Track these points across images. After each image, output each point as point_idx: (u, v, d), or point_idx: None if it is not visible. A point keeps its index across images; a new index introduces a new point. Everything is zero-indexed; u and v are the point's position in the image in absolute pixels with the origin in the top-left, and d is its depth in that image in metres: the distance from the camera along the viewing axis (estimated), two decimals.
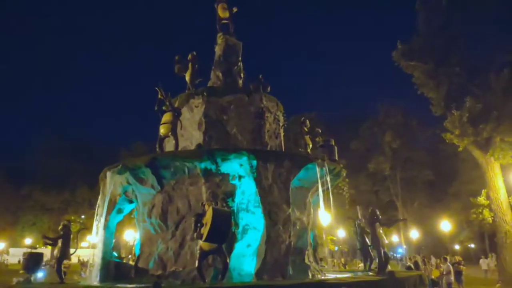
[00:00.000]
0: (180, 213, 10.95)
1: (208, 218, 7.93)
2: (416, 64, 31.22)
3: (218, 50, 14.99)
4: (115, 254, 12.34)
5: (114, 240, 13.22)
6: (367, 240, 13.11)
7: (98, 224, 11.77)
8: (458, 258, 24.97)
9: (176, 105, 12.31)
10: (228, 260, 8.27)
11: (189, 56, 13.93)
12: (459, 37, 29.33)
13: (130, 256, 23.77)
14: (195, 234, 8.11)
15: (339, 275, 11.53)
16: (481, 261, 33.43)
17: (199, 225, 8.13)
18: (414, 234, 46.31)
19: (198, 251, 8.23)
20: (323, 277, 11.19)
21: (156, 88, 11.29)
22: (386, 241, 10.53)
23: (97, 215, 12.07)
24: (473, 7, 29.07)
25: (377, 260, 10.91)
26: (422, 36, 31.12)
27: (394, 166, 55.34)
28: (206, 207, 8.39)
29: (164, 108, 11.23)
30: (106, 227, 11.62)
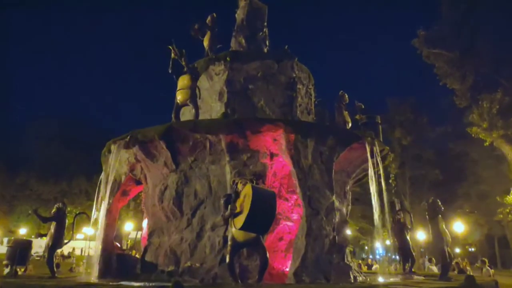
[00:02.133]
0: (199, 197, 9.06)
1: (245, 200, 6.03)
2: (439, 52, 29.28)
3: (240, 13, 13.02)
4: (118, 245, 10.44)
5: (117, 229, 11.39)
6: (407, 238, 11.29)
7: (98, 209, 9.87)
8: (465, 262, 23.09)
9: None
10: (268, 256, 6.38)
11: (208, 18, 12.01)
12: (487, 24, 27.39)
13: (129, 251, 21.88)
14: (228, 219, 6.19)
15: (393, 279, 9.62)
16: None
17: (230, 208, 6.23)
18: (421, 235, 44.31)
19: (229, 242, 6.34)
20: (381, 281, 9.31)
21: (169, 47, 9.35)
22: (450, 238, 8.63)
23: (97, 198, 10.18)
24: None
25: (421, 262, 9.01)
26: (447, 23, 29.20)
27: (403, 164, 53.47)
28: (240, 186, 6.48)
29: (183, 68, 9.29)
30: (108, 212, 9.73)
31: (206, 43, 11.92)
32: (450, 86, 29.45)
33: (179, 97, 9.32)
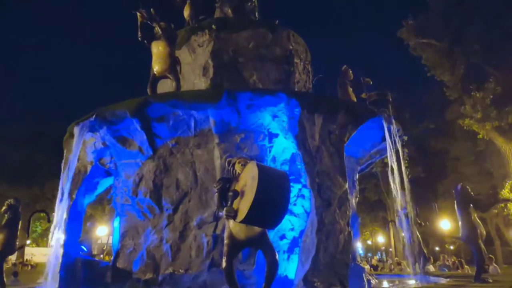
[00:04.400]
0: (181, 188, 7.41)
1: (248, 183, 4.43)
2: (428, 42, 28.39)
3: None
4: (84, 248, 8.69)
5: (82, 230, 9.63)
6: (418, 234, 9.96)
7: (60, 205, 8.09)
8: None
9: None
10: (277, 257, 4.80)
11: None
12: (476, 13, 26.55)
13: (102, 255, 19.86)
14: (223, 210, 4.56)
15: (422, 283, 8.18)
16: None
17: (230, 195, 4.60)
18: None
19: (226, 241, 4.74)
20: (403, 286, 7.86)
21: (136, 12, 7.65)
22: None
23: (59, 193, 8.38)
24: None
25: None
26: (435, 12, 28.29)
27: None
28: (239, 167, 4.87)
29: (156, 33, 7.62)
30: (71, 208, 7.98)
31: (186, 13, 10.27)
32: (439, 77, 28.60)
33: (156, 67, 7.63)
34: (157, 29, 7.72)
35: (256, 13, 11.31)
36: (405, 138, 9.29)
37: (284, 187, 4.38)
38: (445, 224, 34.49)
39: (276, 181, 4.36)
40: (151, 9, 7.70)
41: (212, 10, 11.30)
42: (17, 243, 8.04)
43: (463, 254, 41.05)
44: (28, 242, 31.80)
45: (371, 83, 9.49)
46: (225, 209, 4.51)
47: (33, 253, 35.90)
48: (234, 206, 4.48)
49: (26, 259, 32.04)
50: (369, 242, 53.50)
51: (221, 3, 11.12)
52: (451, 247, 53.89)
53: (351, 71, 9.68)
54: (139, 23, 7.77)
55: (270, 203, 4.24)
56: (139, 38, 7.89)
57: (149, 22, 7.71)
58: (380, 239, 49.90)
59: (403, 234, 10.47)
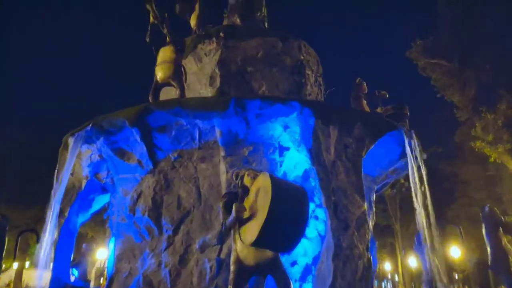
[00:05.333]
0: (183, 206, 6.74)
1: (259, 198, 3.77)
2: (437, 63, 27.98)
3: None
4: (75, 271, 7.96)
5: (79, 252, 8.96)
6: (436, 262, 9.14)
7: (50, 224, 7.41)
8: None
9: None
10: (292, 286, 4.08)
11: None
12: (485, 33, 26.18)
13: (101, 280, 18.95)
14: (230, 230, 3.88)
15: None
16: None
17: (236, 213, 3.93)
18: (412, 261, 41.95)
19: (233, 267, 4.04)
20: None
21: (147, 6, 7.23)
22: None
23: (50, 210, 7.71)
24: None
25: None
26: (444, 32, 28.00)
27: (392, 185, 51.52)
28: (248, 179, 4.21)
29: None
30: (62, 227, 7.31)
31: (193, 22, 9.81)
32: (449, 98, 28.11)
33: (160, 73, 7.09)
34: (166, 32, 7.26)
35: (266, 24, 10.85)
36: (425, 155, 8.61)
37: (302, 202, 3.72)
38: (455, 251, 33.17)
39: (292, 196, 3.70)
40: (165, 14, 7.29)
41: (220, 19, 10.88)
42: (2, 263, 7.36)
43: (472, 282, 39.45)
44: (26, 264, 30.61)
45: (387, 96, 8.91)
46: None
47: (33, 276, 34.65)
48: (243, 230, 3.80)
49: (27, 284, 30.64)
50: None
51: (229, 12, 10.69)
52: (457, 276, 52.08)
53: (365, 84, 9.11)
54: (150, 25, 7.34)
55: (286, 222, 3.57)
56: (147, 41, 7.44)
57: (159, 25, 7.26)
58: (387, 266, 48.40)
59: (420, 260, 9.62)
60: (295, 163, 6.79)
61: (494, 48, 25.31)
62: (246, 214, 3.86)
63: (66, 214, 7.41)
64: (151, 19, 7.29)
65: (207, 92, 8.53)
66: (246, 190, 4.12)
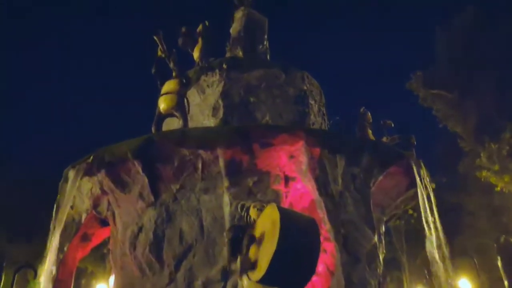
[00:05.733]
0: (185, 240, 6.49)
1: (267, 232, 3.57)
2: (438, 93, 28.14)
3: (236, 26, 11.11)
4: None
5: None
6: None
7: (49, 259, 7.15)
8: None
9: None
10: None
11: (199, 27, 10.05)
12: (485, 64, 26.48)
13: None
14: (236, 262, 3.66)
15: None
16: None
17: (243, 246, 3.72)
18: None
19: None
20: None
21: (155, 37, 7.27)
22: None
23: (49, 244, 7.46)
24: (499, 33, 26.48)
25: None
26: (444, 63, 28.34)
27: (398, 217, 50.76)
28: (254, 212, 4.02)
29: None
30: (61, 264, 7.06)
31: (196, 54, 9.87)
32: (452, 128, 28.10)
33: (163, 104, 7.04)
34: (172, 66, 7.28)
35: (268, 56, 10.94)
36: (433, 185, 8.41)
37: (313, 234, 3.51)
38: (464, 284, 32.15)
39: (302, 228, 3.49)
40: (173, 50, 7.37)
41: (223, 52, 10.97)
42: None
43: None
44: None
45: (392, 125, 8.81)
46: (239, 258, 3.61)
47: None
48: (251, 259, 3.58)
49: None
50: None
51: (231, 45, 10.81)
52: None
53: (369, 113, 9.03)
54: (156, 58, 7.38)
55: (297, 256, 3.35)
56: (153, 73, 7.45)
57: (166, 59, 7.31)
58: None
59: None
60: (301, 193, 6.59)
61: (494, 78, 25.52)
62: (252, 251, 3.64)
63: (66, 249, 7.16)
64: (159, 52, 7.32)
65: (210, 122, 8.46)
66: (252, 223, 3.93)
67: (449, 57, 27.70)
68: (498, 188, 24.97)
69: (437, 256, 6.37)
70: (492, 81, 25.66)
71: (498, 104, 25.56)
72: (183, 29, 9.87)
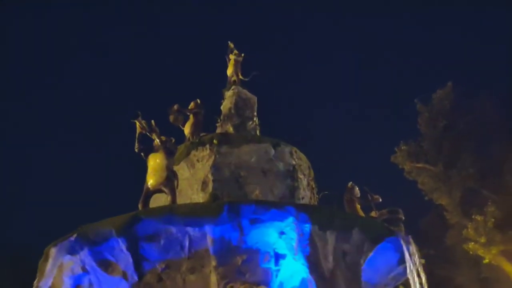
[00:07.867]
0: None
1: None
2: (423, 167, 28.62)
3: (227, 103, 11.55)
4: None
5: None
6: None
7: None
8: None
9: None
10: None
11: (191, 105, 10.39)
12: (467, 139, 27.41)
13: None
14: None
15: None
16: None
17: None
18: None
19: None
20: None
21: (134, 121, 7.42)
22: None
23: None
24: (479, 109, 27.74)
25: None
26: (427, 138, 29.20)
27: None
28: None
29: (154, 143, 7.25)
30: None
31: (187, 130, 10.09)
32: (437, 201, 28.16)
33: (151, 180, 7.02)
34: (157, 142, 7.35)
35: (258, 132, 11.24)
36: (423, 261, 8.27)
37: None
38: None
39: None
40: (152, 121, 7.46)
41: (213, 128, 11.24)
42: None
43: None
44: None
45: (380, 200, 8.86)
46: None
47: None
48: None
49: None
50: None
51: (222, 121, 11.14)
52: None
53: (357, 188, 9.11)
54: (137, 134, 7.45)
55: None
56: (136, 150, 7.48)
57: (148, 133, 7.39)
58: None
59: None
60: (292, 272, 6.38)
61: (477, 152, 26.22)
62: None
63: None
64: (138, 129, 7.42)
65: (199, 197, 8.41)
66: None
67: (431, 133, 28.59)
68: (487, 260, 24.56)
69: None
70: (474, 156, 26.34)
71: (481, 178, 26.00)
72: (175, 106, 10.16)
